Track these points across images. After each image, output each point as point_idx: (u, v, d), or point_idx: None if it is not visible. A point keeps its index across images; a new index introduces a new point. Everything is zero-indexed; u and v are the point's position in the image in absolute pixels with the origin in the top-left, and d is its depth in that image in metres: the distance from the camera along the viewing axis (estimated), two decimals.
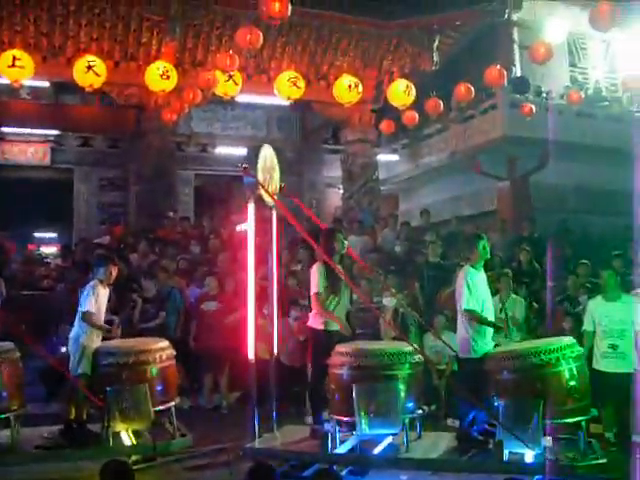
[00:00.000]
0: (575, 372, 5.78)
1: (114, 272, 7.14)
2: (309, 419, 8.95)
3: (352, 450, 6.06)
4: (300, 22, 13.58)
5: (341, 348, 6.27)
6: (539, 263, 11.26)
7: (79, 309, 6.87)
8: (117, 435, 6.52)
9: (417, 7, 14.21)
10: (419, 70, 15.08)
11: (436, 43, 14.96)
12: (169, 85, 10.77)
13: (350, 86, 11.47)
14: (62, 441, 6.56)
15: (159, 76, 10.66)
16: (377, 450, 6.05)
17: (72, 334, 6.84)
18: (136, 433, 6.59)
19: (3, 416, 6.47)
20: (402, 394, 5.92)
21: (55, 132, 17.32)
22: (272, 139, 18.78)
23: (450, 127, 17.22)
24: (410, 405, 6.02)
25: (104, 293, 7.04)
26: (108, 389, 6.47)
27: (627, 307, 7.12)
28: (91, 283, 6.97)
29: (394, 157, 19.35)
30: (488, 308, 6.42)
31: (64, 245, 15.13)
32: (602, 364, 7.45)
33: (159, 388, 6.71)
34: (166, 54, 12.91)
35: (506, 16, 16.05)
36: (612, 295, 7.33)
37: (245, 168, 6.37)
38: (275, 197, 6.78)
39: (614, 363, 7.29)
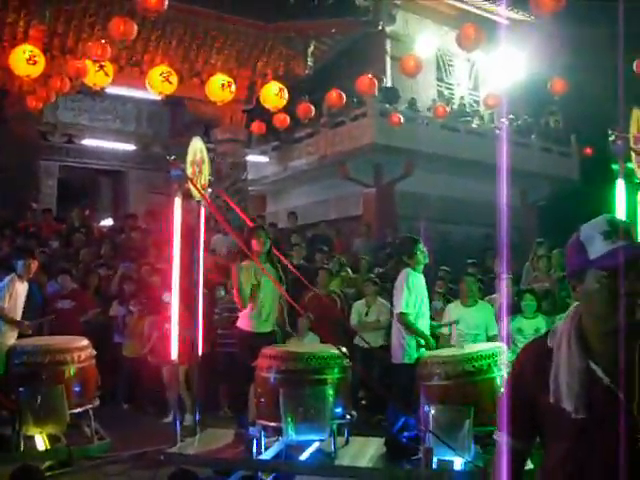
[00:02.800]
0: None
1: (33, 266, 6.83)
2: (170, 417, 8.96)
3: (278, 456, 5.82)
4: (176, 17, 13.40)
5: (268, 350, 6.01)
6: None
7: None
8: (30, 439, 6.15)
9: (294, 12, 14.35)
10: (293, 74, 15.25)
11: (311, 48, 15.17)
12: (35, 71, 10.32)
13: (223, 85, 11.40)
14: None
15: (25, 60, 10.18)
16: (304, 456, 5.84)
17: None
18: (52, 437, 6.22)
19: None
20: (330, 399, 5.70)
21: None
22: (141, 134, 18.47)
23: (320, 132, 17.47)
24: (339, 410, 5.80)
25: (22, 288, 6.72)
26: (21, 390, 6.09)
27: (482, 313, 7.48)
28: (8, 277, 6.65)
29: (264, 159, 19.42)
30: (424, 312, 6.29)
31: None
32: None
33: (77, 389, 6.38)
34: (33, 38, 12.41)
35: (380, 28, 16.48)
36: (470, 300, 7.54)
37: (174, 160, 6.16)
38: (203, 192, 6.55)
39: None
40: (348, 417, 6.00)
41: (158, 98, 12.20)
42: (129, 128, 18.53)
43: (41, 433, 6.19)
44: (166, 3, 8.25)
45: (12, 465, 5.85)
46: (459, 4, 18.17)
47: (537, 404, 1.98)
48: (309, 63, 15.18)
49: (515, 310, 7.92)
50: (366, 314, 9.12)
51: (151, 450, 6.67)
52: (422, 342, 6.16)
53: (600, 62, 16.10)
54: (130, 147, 18.18)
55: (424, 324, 6.30)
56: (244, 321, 6.54)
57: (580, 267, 1.93)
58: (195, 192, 6.44)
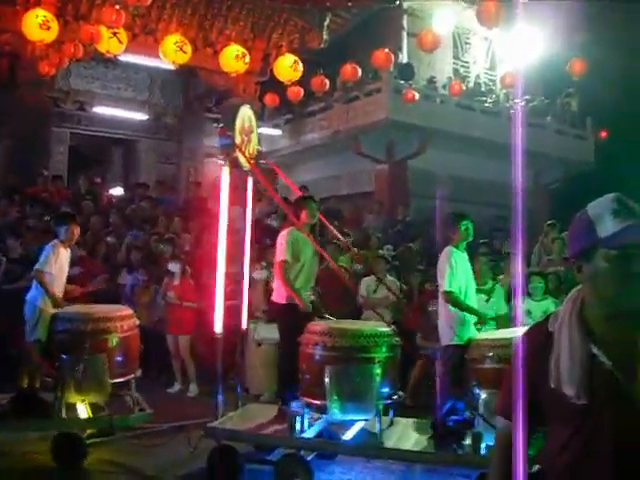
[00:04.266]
0: None
1: (76, 232, 6.70)
2: (176, 387, 9.03)
3: (320, 434, 5.71)
4: None
5: (314, 326, 5.85)
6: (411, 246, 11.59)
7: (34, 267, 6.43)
8: (72, 407, 6.11)
9: None
10: (308, 47, 15.10)
11: (326, 21, 14.99)
12: (49, 36, 10.21)
13: (237, 56, 11.30)
14: (12, 410, 6.12)
15: (38, 25, 10.07)
16: (347, 435, 5.71)
17: (28, 297, 6.39)
18: (94, 406, 6.18)
19: None
20: (378, 378, 5.53)
21: None
22: (153, 103, 18.35)
23: (334, 106, 17.36)
24: (386, 390, 5.65)
25: (65, 254, 6.59)
26: (63, 357, 6.03)
27: (492, 293, 7.44)
28: (51, 243, 6.53)
29: (276, 132, 19.31)
30: (470, 291, 6.08)
31: None
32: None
33: (119, 359, 6.28)
34: (46, 2, 12.28)
35: (397, 3, 16.30)
36: (481, 280, 7.44)
37: (222, 128, 6.03)
38: (252, 161, 6.41)
39: None
40: (395, 397, 5.85)
41: (172, 67, 12.10)
42: (142, 97, 18.38)
43: (83, 401, 6.15)
44: None
45: (54, 431, 5.93)
46: None
47: (538, 389, 1.94)
48: (324, 36, 15.02)
49: (522, 292, 7.87)
50: (374, 291, 9.07)
51: (192, 423, 6.71)
52: (473, 320, 5.99)
53: (620, 42, 15.90)
54: (142, 116, 18.08)
55: (472, 304, 6.10)
56: (279, 294, 6.40)
57: (588, 246, 1.87)
58: (243, 161, 6.31)
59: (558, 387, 1.89)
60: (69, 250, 6.76)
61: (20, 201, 11.99)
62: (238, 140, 6.13)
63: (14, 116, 14.47)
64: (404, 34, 17.77)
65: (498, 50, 19.72)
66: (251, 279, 8.87)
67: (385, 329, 5.84)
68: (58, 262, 6.48)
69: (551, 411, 1.97)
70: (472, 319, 5.96)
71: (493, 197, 15.90)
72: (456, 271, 5.92)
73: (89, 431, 6.27)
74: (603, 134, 19.70)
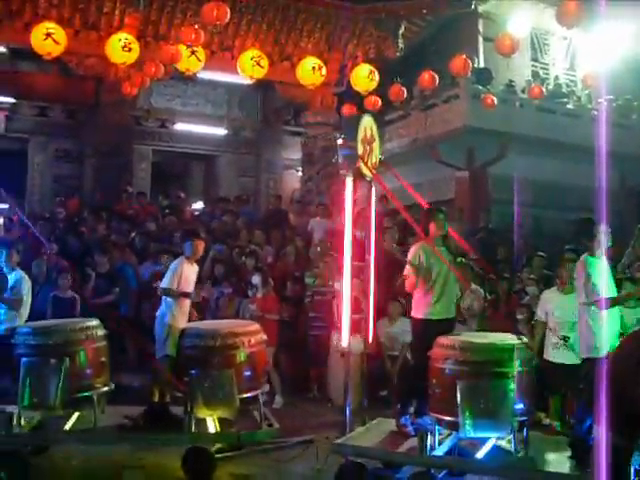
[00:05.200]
0: None
1: (200, 247, 6.89)
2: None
3: (450, 452, 5.54)
4: (266, 0, 13.44)
5: (444, 340, 5.73)
6: (494, 254, 11.37)
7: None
8: (202, 421, 6.26)
9: None
10: (383, 56, 15.06)
11: (401, 30, 14.93)
12: (130, 58, 10.48)
13: (314, 68, 11.36)
14: (143, 423, 6.33)
15: (120, 48, 10.35)
16: (480, 454, 5.49)
17: (158, 313, 6.61)
18: (223, 420, 6.31)
19: (88, 394, 6.26)
20: (512, 394, 5.33)
21: (10, 100, 16.80)
22: (232, 118, 18.62)
23: (411, 114, 17.24)
24: (521, 406, 5.44)
25: (191, 270, 6.80)
26: (192, 372, 6.18)
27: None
28: (177, 260, 6.76)
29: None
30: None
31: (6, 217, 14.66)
32: (552, 355, 7.57)
33: (247, 374, 6.38)
34: (129, 25, 12.61)
35: (472, 7, 16.11)
36: (569, 287, 7.29)
37: (343, 139, 6.11)
38: (375, 171, 6.46)
39: (564, 355, 7.39)
40: (530, 413, 5.67)
41: (249, 82, 12.25)
42: (220, 112, 18.68)
43: (211, 416, 6.24)
44: None
45: (184, 445, 6.05)
46: None
47: (636, 398, 1.85)
48: (400, 45, 14.95)
49: None
50: (458, 299, 8.90)
51: (319, 438, 6.78)
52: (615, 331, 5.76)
53: None
54: (221, 131, 18.39)
55: (613, 315, 5.85)
56: (419, 309, 6.31)
57: None
58: (366, 171, 6.28)
59: None
60: (195, 265, 6.92)
61: (107, 218, 12.34)
62: (360, 150, 6.14)
63: (99, 136, 14.97)
64: (480, 38, 17.51)
65: (578, 49, 19.24)
66: (334, 290, 8.90)
67: (519, 342, 5.63)
68: (183, 277, 6.63)
69: None
70: (615, 330, 5.72)
71: (578, 201, 15.43)
72: (596, 281, 5.69)
73: (218, 445, 6.36)
74: None
